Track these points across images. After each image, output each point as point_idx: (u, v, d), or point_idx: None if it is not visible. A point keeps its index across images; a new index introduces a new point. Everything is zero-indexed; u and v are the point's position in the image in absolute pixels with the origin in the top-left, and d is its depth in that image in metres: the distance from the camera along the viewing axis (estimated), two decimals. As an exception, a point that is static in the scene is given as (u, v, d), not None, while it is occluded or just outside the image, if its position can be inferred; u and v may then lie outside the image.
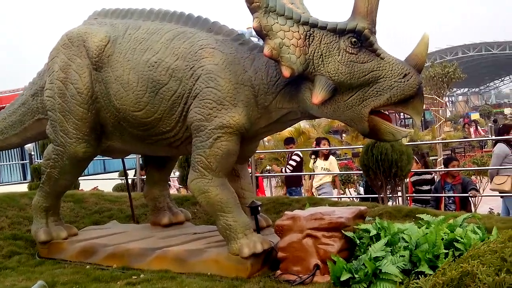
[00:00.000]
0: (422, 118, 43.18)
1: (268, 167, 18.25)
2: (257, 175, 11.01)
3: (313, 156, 11.26)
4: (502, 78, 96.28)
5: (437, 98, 17.63)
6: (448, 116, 46.61)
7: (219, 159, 4.44)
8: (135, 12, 5.12)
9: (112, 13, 5.27)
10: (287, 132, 17.53)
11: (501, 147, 9.03)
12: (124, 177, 7.68)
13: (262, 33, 4.08)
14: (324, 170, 10.56)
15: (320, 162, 10.71)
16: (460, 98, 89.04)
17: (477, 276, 2.32)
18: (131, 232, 5.60)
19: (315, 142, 12.11)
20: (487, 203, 11.06)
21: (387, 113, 4.19)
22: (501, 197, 9.12)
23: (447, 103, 61.92)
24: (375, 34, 3.99)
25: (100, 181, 13.68)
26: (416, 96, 3.91)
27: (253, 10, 4.09)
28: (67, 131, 5.05)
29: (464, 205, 9.00)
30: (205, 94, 4.42)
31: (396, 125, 4.44)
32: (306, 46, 4.03)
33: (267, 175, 16.38)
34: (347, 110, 4.04)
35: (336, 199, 9.45)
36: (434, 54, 64.55)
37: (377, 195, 7.98)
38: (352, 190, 13.15)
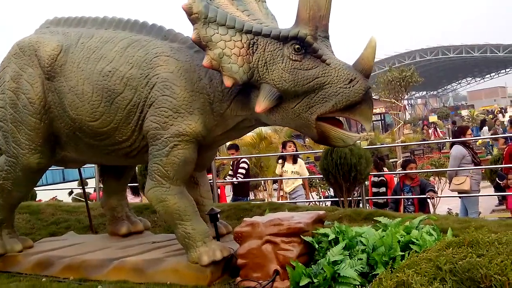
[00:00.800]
0: (383, 121, 44.35)
1: (230, 173, 18.25)
2: (218, 181, 10.94)
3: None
4: (459, 81, 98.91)
5: (396, 101, 17.90)
6: (407, 119, 47.58)
7: (176, 167, 4.40)
8: (88, 21, 5.04)
9: (64, 21, 5.18)
10: (249, 137, 17.57)
11: (458, 149, 9.24)
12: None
13: (201, 44, 4.05)
14: (294, 173, 10.48)
15: (289, 166, 10.56)
16: (419, 101, 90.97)
17: (412, 286, 2.34)
18: (89, 243, 5.51)
19: (281, 146, 12.01)
20: (446, 203, 11.31)
21: (338, 118, 4.13)
22: (460, 197, 9.33)
23: (407, 106, 63.13)
24: (327, 39, 3.97)
25: (59, 190, 13.41)
26: (363, 102, 3.84)
27: (192, 22, 4.05)
28: (20, 142, 4.94)
29: (422, 206, 9.17)
30: (160, 102, 4.37)
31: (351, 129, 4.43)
32: (249, 54, 3.99)
33: (230, 181, 16.38)
34: (295, 117, 3.99)
35: (308, 203, 9.52)
36: (393, 59, 65.95)
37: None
38: (314, 194, 13.23)
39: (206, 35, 4.02)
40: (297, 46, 3.85)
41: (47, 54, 4.83)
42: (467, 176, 9.32)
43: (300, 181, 10.67)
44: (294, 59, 3.87)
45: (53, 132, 4.96)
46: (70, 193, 13.45)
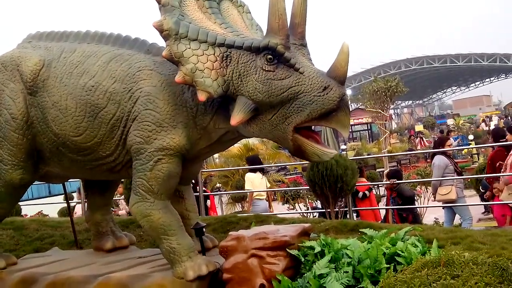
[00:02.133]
0: (369, 131, 44.66)
1: (218, 185, 18.22)
2: (207, 193, 10.95)
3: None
4: (444, 90, 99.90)
5: (381, 111, 18.00)
6: (394, 128, 47.88)
7: (161, 182, 4.37)
8: (71, 35, 5.02)
9: (46, 36, 5.14)
10: (236, 149, 17.59)
11: (441, 159, 9.31)
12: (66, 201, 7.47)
13: (173, 60, 4.03)
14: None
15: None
16: (405, 110, 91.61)
17: None
18: (73, 259, 5.43)
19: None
20: (433, 213, 11.38)
21: (316, 136, 4.06)
22: (443, 207, 9.39)
23: (393, 116, 63.57)
24: (304, 46, 3.94)
25: (44, 205, 13.30)
26: (339, 109, 3.76)
27: (165, 39, 4.05)
28: (2, 158, 4.88)
29: (414, 217, 9.26)
30: (144, 116, 4.35)
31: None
32: (223, 67, 3.97)
33: (217, 193, 16.35)
34: (273, 129, 3.96)
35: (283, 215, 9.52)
36: (378, 68, 66.52)
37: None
38: (302, 205, 13.24)
39: (178, 51, 4.00)
40: (269, 56, 3.82)
41: (29, 69, 4.79)
42: (452, 185, 9.40)
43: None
44: (267, 69, 3.84)
45: (36, 147, 4.92)
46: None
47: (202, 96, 3.98)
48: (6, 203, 5.21)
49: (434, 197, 9.76)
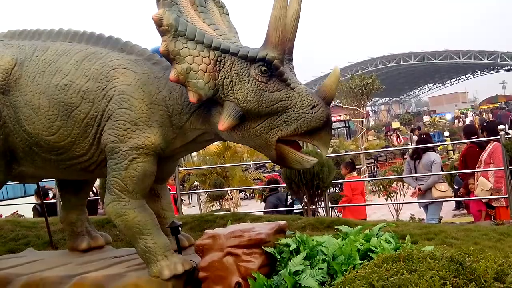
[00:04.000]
0: (347, 128, 44.90)
1: (196, 183, 18.21)
2: (182, 192, 10.91)
3: None
4: (421, 87, 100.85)
5: (358, 109, 18.13)
6: (371, 125, 48.23)
7: (136, 181, 4.35)
8: (43, 33, 4.96)
9: (19, 34, 5.08)
10: (214, 147, 17.57)
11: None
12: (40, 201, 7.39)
13: (169, 57, 4.01)
14: None
15: None
16: (382, 107, 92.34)
17: None
18: (48, 259, 5.38)
19: None
20: (409, 209, 11.49)
21: (296, 144, 4.14)
22: (428, 204, 9.47)
23: (370, 113, 64.04)
24: (291, 61, 4.01)
25: (20, 205, 13.11)
26: (323, 128, 3.89)
27: (161, 33, 4.01)
28: None
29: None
30: (118, 115, 4.33)
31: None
32: (216, 71, 3.98)
33: (195, 192, 16.36)
34: (256, 137, 4.01)
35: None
36: (356, 66, 66.95)
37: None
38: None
39: (175, 48, 3.98)
40: (264, 68, 3.86)
41: (1, 68, 4.72)
42: (443, 182, 9.56)
43: None
44: (260, 80, 3.88)
45: (9, 147, 4.85)
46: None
47: (193, 98, 3.98)
48: None
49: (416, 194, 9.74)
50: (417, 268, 2.53)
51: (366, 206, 13.44)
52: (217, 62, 3.99)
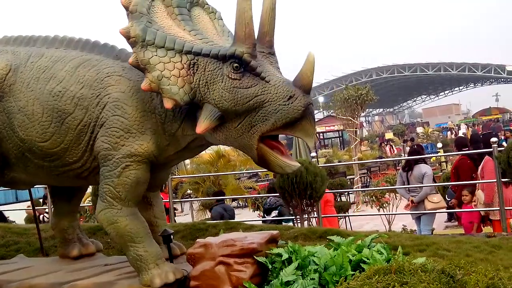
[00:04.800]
0: (341, 138, 45.03)
1: (188, 191, 18.15)
2: (174, 201, 10.88)
3: None
4: (414, 98, 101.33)
5: (352, 119, 18.16)
6: (365, 136, 48.35)
7: (128, 188, 4.34)
8: (38, 40, 4.96)
9: (14, 40, 5.07)
10: (207, 155, 17.55)
11: (429, 168, 9.50)
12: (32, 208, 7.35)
13: (140, 67, 4.02)
14: None
15: None
16: (376, 118, 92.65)
17: None
18: (38, 266, 5.35)
19: None
20: (401, 220, 11.51)
21: (281, 147, 4.04)
22: (421, 215, 9.49)
23: (364, 123, 64.23)
24: (272, 55, 3.96)
25: (11, 211, 13.05)
26: (303, 118, 3.77)
27: (131, 45, 4.04)
28: None
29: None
30: (112, 122, 4.32)
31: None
32: (190, 75, 3.97)
33: (188, 200, 16.29)
34: (238, 137, 3.96)
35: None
36: (350, 76, 67.27)
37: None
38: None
39: (144, 58, 3.99)
40: (235, 64, 3.81)
41: None
42: (436, 193, 9.59)
43: None
44: (233, 77, 3.84)
45: (1, 153, 4.84)
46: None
47: (168, 104, 3.97)
48: None
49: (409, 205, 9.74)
50: (408, 281, 2.53)
51: (359, 216, 13.49)
52: (191, 66, 3.98)
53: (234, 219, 10.27)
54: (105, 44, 4.78)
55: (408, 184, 9.67)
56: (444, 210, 9.87)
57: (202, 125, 3.91)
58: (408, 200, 9.74)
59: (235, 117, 3.90)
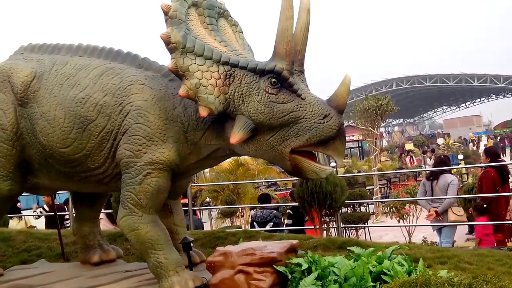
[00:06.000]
0: (360, 148, 44.77)
1: (207, 199, 18.19)
2: (194, 208, 10.91)
3: None
4: (435, 109, 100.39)
5: (372, 129, 18.09)
6: (384, 146, 48.02)
7: (149, 196, 4.38)
8: (63, 48, 5.04)
9: (39, 48, 5.16)
10: (226, 163, 17.58)
11: (455, 177, 9.41)
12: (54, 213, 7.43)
13: (178, 73, 4.06)
14: None
15: None
16: (396, 128, 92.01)
17: None
18: (59, 271, 5.40)
19: None
20: (422, 232, 11.41)
21: (310, 154, 4.11)
22: (441, 227, 9.39)
23: (384, 134, 63.78)
24: (302, 73, 4.03)
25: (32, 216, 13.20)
26: (336, 138, 3.89)
27: (170, 51, 4.08)
28: None
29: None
30: (134, 130, 4.37)
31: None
32: (226, 85, 4.02)
33: (207, 208, 16.33)
34: (269, 150, 4.02)
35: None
36: (370, 87, 66.90)
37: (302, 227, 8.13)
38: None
39: (184, 64, 4.03)
40: (273, 79, 3.89)
41: (21, 81, 4.80)
42: (459, 206, 9.48)
43: None
44: (270, 92, 3.91)
45: (24, 158, 4.91)
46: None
47: (203, 112, 4.01)
48: None
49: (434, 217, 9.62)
50: None
51: (378, 227, 13.38)
52: (227, 77, 4.03)
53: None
54: (128, 52, 4.83)
55: (432, 193, 9.57)
56: (466, 222, 9.73)
57: (236, 136, 3.96)
58: (429, 211, 9.63)
59: (268, 130, 3.96)
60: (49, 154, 4.72)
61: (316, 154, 4.28)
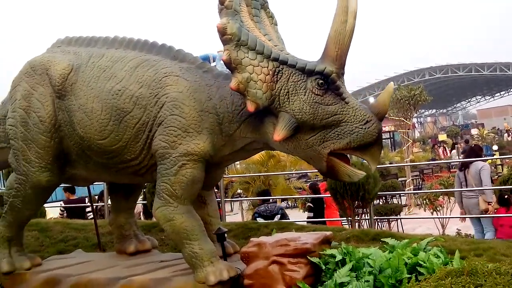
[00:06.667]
0: (392, 139, 44.31)
1: (239, 191, 18.26)
2: (226, 199, 10.99)
3: None
4: (469, 99, 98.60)
5: (404, 120, 17.88)
6: (417, 137, 47.46)
7: (184, 187, 4.42)
8: (99, 40, 5.11)
9: (75, 41, 5.25)
10: (258, 155, 17.59)
11: (487, 165, 9.28)
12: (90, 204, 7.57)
13: (231, 66, 4.07)
14: None
15: None
16: (429, 119, 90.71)
17: None
18: (96, 261, 5.51)
19: None
20: (455, 224, 11.25)
21: (346, 158, 4.17)
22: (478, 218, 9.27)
23: (416, 124, 63.03)
24: (343, 76, 4.03)
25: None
26: (375, 144, 3.94)
27: (224, 42, 4.08)
28: (30, 160, 4.98)
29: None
30: (169, 121, 4.41)
31: None
32: (273, 82, 4.02)
33: (238, 199, 16.40)
34: (308, 149, 4.04)
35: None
36: (402, 77, 65.99)
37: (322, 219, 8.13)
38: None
39: (237, 57, 4.04)
40: (321, 81, 3.91)
41: (58, 73, 4.89)
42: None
43: None
44: (316, 93, 3.93)
45: (63, 150, 5.01)
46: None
47: (251, 107, 4.03)
48: (33, 205, 5.31)
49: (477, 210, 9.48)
50: (483, 283, 2.50)
51: (411, 219, 13.26)
52: (275, 73, 4.03)
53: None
54: (163, 44, 4.87)
55: (466, 184, 9.44)
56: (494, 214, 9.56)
57: (280, 133, 3.99)
58: (461, 209, 9.58)
59: (309, 130, 3.99)
60: (87, 146, 4.81)
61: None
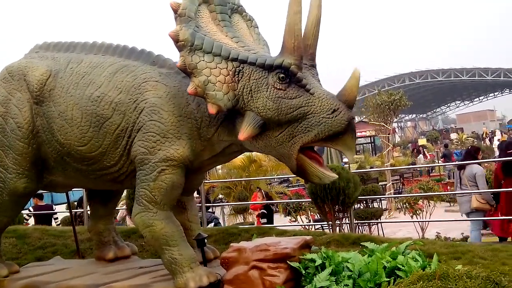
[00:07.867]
0: (372, 144, 44.63)
1: (220, 196, 18.23)
2: (207, 205, 10.97)
3: None
4: (448, 104, 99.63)
5: (385, 125, 18.01)
6: (397, 142, 47.83)
7: (164, 192, 4.41)
8: (77, 46, 5.08)
9: (54, 46, 5.21)
10: (239, 160, 17.59)
11: (480, 167, 9.49)
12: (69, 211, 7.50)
13: (187, 71, 4.08)
14: None
15: None
16: (409, 124, 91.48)
17: None
18: (75, 268, 5.45)
19: None
20: (435, 227, 11.35)
21: (319, 158, 4.12)
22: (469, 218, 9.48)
23: (396, 129, 63.50)
24: (314, 67, 4.02)
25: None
26: (346, 132, 3.84)
27: (179, 49, 4.10)
28: (7, 167, 4.93)
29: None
30: (148, 127, 4.40)
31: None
32: (235, 82, 4.02)
33: (219, 204, 16.37)
34: (278, 146, 4.01)
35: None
36: (383, 82, 66.55)
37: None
38: (304, 217, 13.22)
39: (192, 62, 4.06)
40: (281, 75, 3.87)
41: (36, 79, 4.85)
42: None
43: None
44: (278, 87, 3.89)
45: (40, 156, 4.96)
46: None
47: (212, 109, 4.03)
48: (10, 212, 5.25)
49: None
50: (453, 287, 2.51)
51: (391, 223, 13.34)
52: (236, 73, 4.03)
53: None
54: (142, 50, 4.86)
55: (461, 182, 9.71)
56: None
57: (245, 132, 3.97)
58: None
59: (277, 126, 3.95)
60: (66, 152, 4.77)
61: (329, 152, 4.29)
